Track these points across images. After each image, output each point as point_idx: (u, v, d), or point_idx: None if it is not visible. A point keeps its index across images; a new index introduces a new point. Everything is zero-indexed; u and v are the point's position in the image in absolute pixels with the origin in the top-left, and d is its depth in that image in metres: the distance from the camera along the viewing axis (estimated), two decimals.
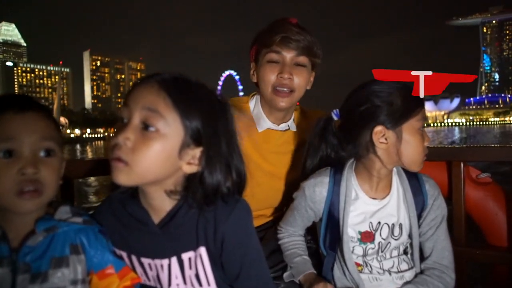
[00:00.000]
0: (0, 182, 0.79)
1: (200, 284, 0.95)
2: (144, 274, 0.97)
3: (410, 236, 1.27)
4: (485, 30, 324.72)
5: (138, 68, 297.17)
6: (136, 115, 0.84)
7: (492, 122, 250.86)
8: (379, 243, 1.24)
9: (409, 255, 1.30)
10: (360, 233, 1.25)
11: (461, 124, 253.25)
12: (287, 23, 1.44)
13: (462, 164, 1.65)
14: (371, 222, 1.24)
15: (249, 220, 0.98)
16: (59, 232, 0.87)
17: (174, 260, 0.94)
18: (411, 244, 1.28)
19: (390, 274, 1.25)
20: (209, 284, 0.95)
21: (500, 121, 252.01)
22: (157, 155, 0.83)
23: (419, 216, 1.26)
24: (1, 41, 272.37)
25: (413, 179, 1.27)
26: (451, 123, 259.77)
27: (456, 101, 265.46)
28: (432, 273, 1.23)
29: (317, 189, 1.28)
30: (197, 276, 0.94)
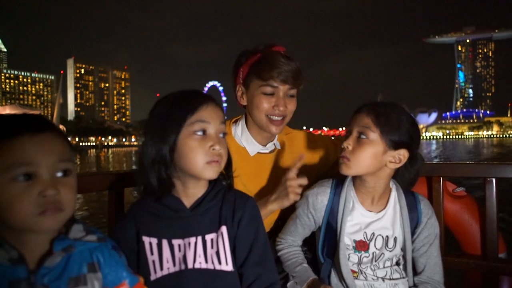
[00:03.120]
0: (21, 205, 0.78)
1: (219, 262, 1.08)
2: (171, 258, 1.09)
3: (403, 249, 1.36)
4: (459, 48, 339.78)
5: (123, 77, 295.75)
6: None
7: (467, 136, 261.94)
8: (373, 253, 1.34)
9: (401, 266, 1.39)
10: (355, 241, 1.35)
11: (438, 137, 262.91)
12: (278, 56, 1.52)
13: (441, 179, 1.81)
14: (365, 232, 1.34)
15: (259, 213, 1.18)
16: (75, 251, 0.88)
17: (199, 239, 1.09)
18: (403, 257, 1.37)
19: (383, 281, 1.34)
20: (227, 263, 1.09)
21: (475, 135, 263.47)
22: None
23: (413, 232, 1.36)
24: None
25: (409, 196, 1.39)
26: (429, 136, 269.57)
27: (434, 116, 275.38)
28: (426, 287, 1.34)
29: (319, 197, 1.40)
30: (217, 254, 1.09)
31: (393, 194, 1.37)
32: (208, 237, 1.10)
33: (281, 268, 1.49)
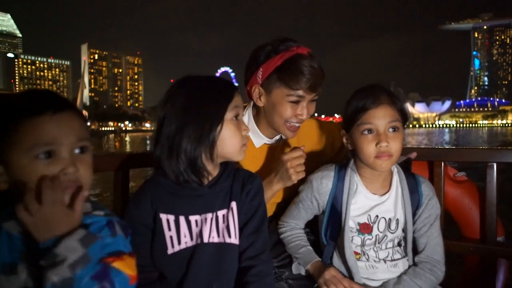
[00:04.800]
0: None
1: (229, 235, 1.16)
2: (188, 233, 1.15)
3: (404, 230, 1.38)
4: (476, 35, 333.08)
5: (136, 62, 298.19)
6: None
7: (481, 125, 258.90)
8: (376, 235, 1.36)
9: (402, 247, 1.41)
10: (359, 224, 1.37)
11: (451, 126, 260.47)
12: (305, 61, 1.43)
13: (442, 164, 1.85)
14: (369, 215, 1.36)
15: (263, 189, 1.27)
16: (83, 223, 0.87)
17: (214, 215, 1.16)
18: (404, 238, 1.39)
19: (385, 262, 1.37)
20: (235, 237, 1.17)
21: (488, 124, 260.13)
22: None
23: (414, 213, 1.38)
24: None
25: (411, 179, 1.40)
26: (442, 125, 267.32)
27: (447, 104, 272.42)
28: (425, 266, 1.34)
29: (324, 181, 1.41)
30: (228, 228, 1.16)
31: (395, 177, 1.39)
32: (220, 213, 1.16)
33: (283, 249, 1.52)
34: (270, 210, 1.67)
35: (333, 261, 1.41)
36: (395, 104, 1.28)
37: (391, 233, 1.36)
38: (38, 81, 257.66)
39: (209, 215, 1.15)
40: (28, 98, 0.86)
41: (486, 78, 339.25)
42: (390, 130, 1.26)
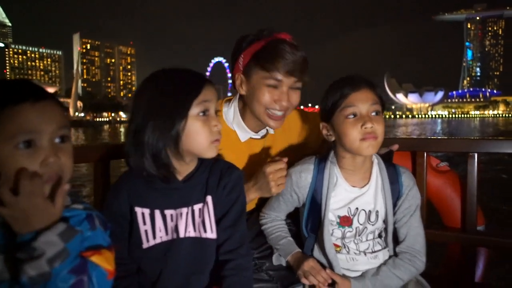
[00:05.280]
0: None
1: (205, 230, 1.15)
2: (164, 227, 1.15)
3: (385, 221, 1.38)
4: (469, 26, 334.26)
5: (129, 52, 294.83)
6: None
7: (473, 115, 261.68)
8: (356, 227, 1.36)
9: (383, 238, 1.41)
10: (339, 217, 1.36)
11: (443, 116, 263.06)
12: (284, 45, 1.41)
13: (425, 154, 1.86)
14: (349, 208, 1.35)
15: (243, 185, 1.24)
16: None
17: (190, 209, 1.15)
18: (385, 229, 1.39)
19: (365, 254, 1.36)
20: (212, 231, 1.16)
21: (480, 114, 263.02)
22: None
23: (395, 204, 1.37)
24: None
25: (391, 169, 1.39)
26: (435, 115, 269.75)
27: (440, 94, 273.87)
28: (405, 257, 1.35)
29: (303, 175, 1.40)
30: (203, 222, 1.15)
31: (375, 168, 1.38)
32: (196, 207, 1.15)
33: (264, 241, 1.51)
34: (252, 202, 1.64)
35: (314, 253, 1.41)
36: (374, 89, 1.29)
37: (371, 225, 1.36)
38: (29, 71, 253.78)
39: (184, 210, 1.14)
40: (7, 88, 0.84)
41: (478, 69, 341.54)
42: (373, 113, 1.26)
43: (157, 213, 1.14)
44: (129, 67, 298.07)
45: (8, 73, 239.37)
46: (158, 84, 1.10)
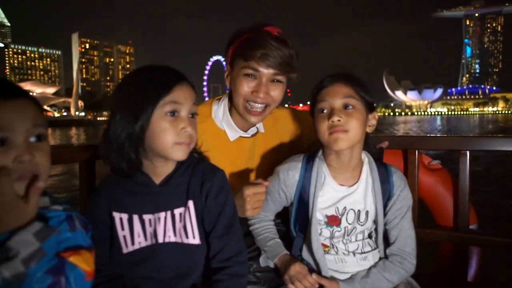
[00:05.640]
0: None
1: (187, 236, 1.11)
2: (142, 233, 1.12)
3: (375, 222, 1.36)
4: (467, 23, 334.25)
5: (127, 51, 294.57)
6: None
7: (472, 112, 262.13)
8: (345, 227, 1.33)
9: (373, 239, 1.39)
10: (327, 216, 1.34)
11: (443, 113, 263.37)
12: (267, 36, 1.38)
13: (416, 152, 1.84)
14: (337, 207, 1.33)
15: (228, 185, 1.18)
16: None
17: (169, 214, 1.11)
18: (375, 230, 1.37)
19: (354, 255, 1.34)
20: (194, 237, 1.12)
21: (480, 111, 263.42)
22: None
23: (385, 205, 1.35)
24: None
25: (382, 169, 1.36)
26: (434, 112, 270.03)
27: (439, 91, 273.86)
28: (395, 259, 1.33)
29: (290, 173, 1.38)
30: (184, 228, 1.11)
31: (366, 167, 1.35)
32: (177, 211, 1.12)
33: (252, 242, 1.48)
34: None
35: (302, 253, 1.38)
36: (351, 83, 1.27)
37: (361, 225, 1.34)
38: (29, 71, 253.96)
39: (162, 214, 1.12)
40: None
41: (477, 66, 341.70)
42: (349, 107, 1.24)
43: (136, 218, 1.12)
44: (128, 66, 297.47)
45: (8, 73, 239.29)
46: (131, 77, 1.09)
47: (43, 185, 0.83)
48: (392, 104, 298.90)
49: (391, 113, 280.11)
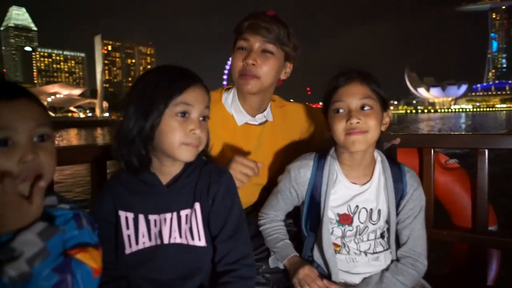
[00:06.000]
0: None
1: (192, 237, 1.11)
2: (147, 233, 1.12)
3: (387, 221, 1.33)
4: (493, 16, 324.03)
5: (148, 52, 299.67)
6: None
7: (499, 109, 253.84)
8: (357, 226, 1.32)
9: (385, 239, 1.36)
10: (339, 215, 1.32)
11: (467, 110, 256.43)
12: (260, 13, 1.45)
13: (432, 151, 1.80)
14: (349, 205, 1.31)
15: (235, 187, 1.19)
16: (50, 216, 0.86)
17: (175, 215, 1.11)
18: (388, 229, 1.34)
19: (366, 255, 1.31)
20: (199, 239, 1.11)
21: (507, 107, 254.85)
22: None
23: (398, 204, 1.33)
24: (13, 25, 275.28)
25: (395, 168, 1.34)
26: (458, 109, 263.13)
27: (464, 88, 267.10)
28: (407, 261, 1.30)
29: (302, 171, 1.36)
30: (190, 229, 1.11)
31: (378, 165, 1.34)
32: (183, 212, 1.12)
33: (262, 242, 1.47)
34: (252, 199, 1.64)
35: (313, 253, 1.37)
36: (367, 82, 1.24)
37: (373, 224, 1.32)
38: (55, 74, 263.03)
39: (168, 215, 1.12)
40: None
41: (504, 60, 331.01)
42: (366, 108, 1.22)
43: (141, 217, 1.12)
44: (149, 67, 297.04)
45: (35, 75, 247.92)
46: (148, 75, 1.10)
47: (45, 185, 0.83)
48: (414, 102, 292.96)
49: (413, 111, 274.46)
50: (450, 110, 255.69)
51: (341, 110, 1.24)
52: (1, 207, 0.77)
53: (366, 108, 1.22)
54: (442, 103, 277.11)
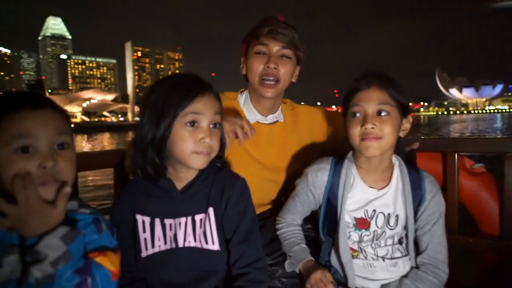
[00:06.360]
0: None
1: (206, 241, 1.14)
2: (163, 236, 1.15)
3: (405, 227, 1.32)
4: None
5: (176, 57, 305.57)
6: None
7: None
8: (374, 231, 1.31)
9: (403, 245, 1.34)
10: (355, 219, 1.32)
11: (503, 110, 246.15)
12: (274, 19, 1.54)
13: (456, 155, 1.74)
14: (366, 210, 1.30)
15: (248, 193, 1.21)
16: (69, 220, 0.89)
17: (189, 219, 1.15)
18: (406, 235, 1.33)
19: (383, 260, 1.30)
20: (213, 243, 1.14)
21: None
22: None
23: (416, 210, 1.30)
24: (50, 35, 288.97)
25: (413, 173, 1.32)
26: (493, 110, 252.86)
27: (499, 88, 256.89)
28: (427, 268, 1.28)
29: (319, 174, 1.37)
30: (204, 234, 1.14)
31: (396, 170, 1.32)
32: (198, 217, 1.15)
33: (278, 247, 1.49)
34: (270, 203, 1.67)
35: (331, 258, 1.36)
36: (386, 87, 1.22)
37: (390, 229, 1.31)
38: (88, 80, 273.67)
39: (182, 219, 1.15)
40: (9, 97, 0.90)
41: None
42: (383, 113, 1.21)
43: (157, 221, 1.16)
44: (177, 72, 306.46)
45: (70, 82, 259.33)
46: (161, 83, 1.12)
47: (69, 190, 0.88)
48: (445, 103, 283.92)
49: (445, 112, 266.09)
50: (484, 111, 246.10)
51: (357, 114, 1.24)
52: (26, 213, 0.82)
53: (383, 113, 1.21)
54: (475, 104, 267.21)
